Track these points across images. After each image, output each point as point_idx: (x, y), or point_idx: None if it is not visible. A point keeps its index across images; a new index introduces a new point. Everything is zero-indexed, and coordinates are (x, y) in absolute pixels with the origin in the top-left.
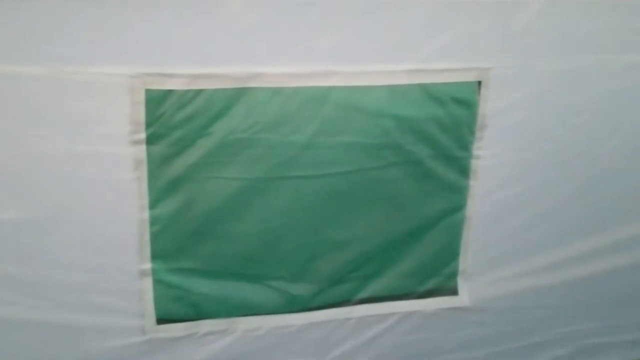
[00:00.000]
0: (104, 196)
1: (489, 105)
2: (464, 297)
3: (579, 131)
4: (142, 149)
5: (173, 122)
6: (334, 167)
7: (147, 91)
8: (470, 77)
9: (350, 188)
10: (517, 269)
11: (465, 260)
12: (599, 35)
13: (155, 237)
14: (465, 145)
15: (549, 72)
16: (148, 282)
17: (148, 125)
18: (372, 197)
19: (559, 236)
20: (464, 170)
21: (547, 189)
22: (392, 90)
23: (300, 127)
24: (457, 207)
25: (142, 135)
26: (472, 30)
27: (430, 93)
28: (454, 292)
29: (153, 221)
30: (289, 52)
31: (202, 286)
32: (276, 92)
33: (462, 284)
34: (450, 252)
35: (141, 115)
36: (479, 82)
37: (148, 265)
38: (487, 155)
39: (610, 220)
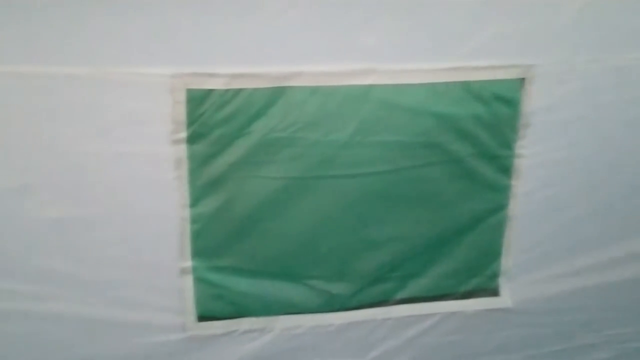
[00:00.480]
0: (145, 195)
1: (532, 103)
2: (505, 298)
3: (624, 129)
4: (183, 148)
5: (213, 122)
6: (373, 166)
7: (188, 91)
8: (514, 75)
9: (390, 187)
10: (559, 270)
11: (507, 261)
12: None
13: (195, 236)
14: (507, 143)
15: (594, 69)
16: (189, 280)
17: (189, 124)
18: (412, 197)
19: (603, 237)
20: (506, 169)
21: (591, 188)
22: (433, 88)
23: (340, 126)
24: (499, 206)
25: (183, 135)
26: (515, 26)
27: (472, 91)
28: (495, 293)
29: (194, 219)
30: (328, 50)
31: (241, 284)
32: (315, 90)
33: (503, 285)
34: (491, 253)
35: (182, 114)
36: (522, 80)
37: (189, 263)
38: (530, 154)
39: None
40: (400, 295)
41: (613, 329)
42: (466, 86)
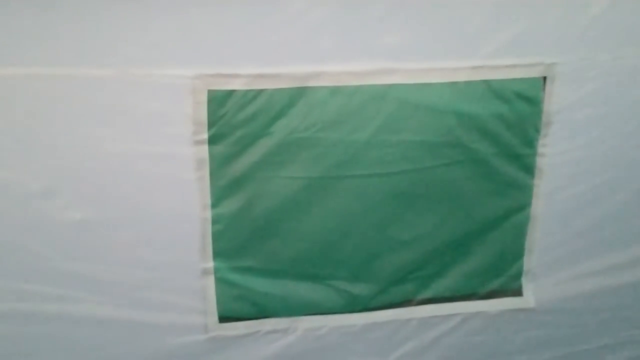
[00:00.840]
0: (167, 195)
1: (554, 102)
2: (528, 298)
3: None
4: (205, 149)
5: (234, 122)
6: (395, 166)
7: (210, 92)
8: (535, 73)
9: (412, 187)
10: (583, 270)
11: (530, 261)
12: None
13: (217, 236)
14: (530, 142)
15: (617, 67)
16: (210, 281)
17: (210, 125)
18: (434, 196)
19: (627, 236)
20: (528, 168)
21: (614, 187)
22: (455, 87)
23: (361, 125)
24: (522, 206)
25: (205, 136)
26: (537, 24)
27: (493, 89)
28: (518, 293)
29: (215, 220)
30: (349, 50)
31: (263, 285)
32: (336, 90)
33: (526, 285)
34: (514, 252)
35: (204, 115)
36: (544, 78)
37: (210, 264)
38: (553, 152)
39: None
40: (423, 295)
41: (638, 328)
42: (488, 85)
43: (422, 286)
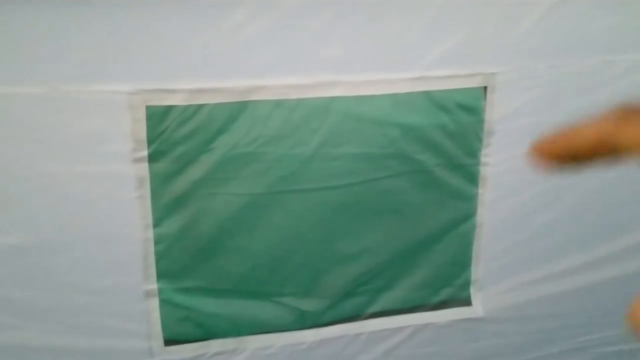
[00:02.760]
0: (106, 216)
1: (495, 111)
2: (477, 307)
3: None
4: (145, 167)
5: (175, 139)
6: (340, 179)
7: (148, 107)
8: (475, 83)
9: (357, 200)
10: (531, 277)
11: (478, 270)
12: (604, 36)
13: (160, 257)
14: (472, 152)
15: (556, 75)
16: (154, 303)
17: (150, 142)
18: (379, 209)
19: (573, 242)
20: (472, 177)
21: (558, 194)
22: (396, 98)
23: (304, 139)
24: (467, 215)
25: (144, 153)
26: (476, 35)
27: (434, 100)
28: (467, 302)
29: (157, 240)
30: (290, 63)
31: (209, 305)
32: (278, 104)
33: (475, 294)
34: (461, 262)
35: (142, 132)
36: (484, 88)
37: (154, 285)
38: (496, 161)
39: (624, 225)
40: (372, 309)
41: (588, 334)
42: (429, 96)
43: (371, 300)
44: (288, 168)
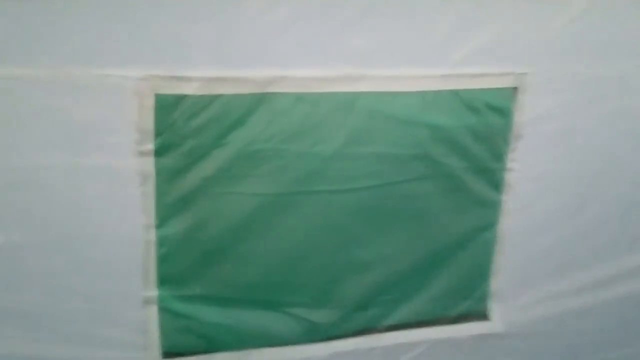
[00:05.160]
0: (104, 214)
1: (524, 114)
2: (496, 322)
3: (620, 141)
4: (150, 161)
5: (185, 131)
6: (361, 181)
7: (157, 96)
8: (506, 83)
9: (378, 204)
10: (553, 290)
11: (497, 282)
12: None
13: (162, 261)
14: (499, 156)
15: (589, 77)
16: (153, 311)
17: (157, 134)
18: (401, 214)
19: (600, 253)
20: (496, 183)
21: (585, 203)
22: (425, 96)
23: (326, 137)
24: (489, 224)
25: (150, 146)
26: (508, 32)
27: (464, 100)
28: (485, 316)
29: (160, 242)
30: (315, 54)
31: (213, 315)
32: (300, 98)
33: (494, 308)
34: (481, 273)
35: (150, 123)
36: (515, 89)
37: (153, 292)
38: (521, 167)
39: None
40: (387, 321)
41: (612, 350)
42: (458, 95)
43: (387, 311)
44: (307, 167)
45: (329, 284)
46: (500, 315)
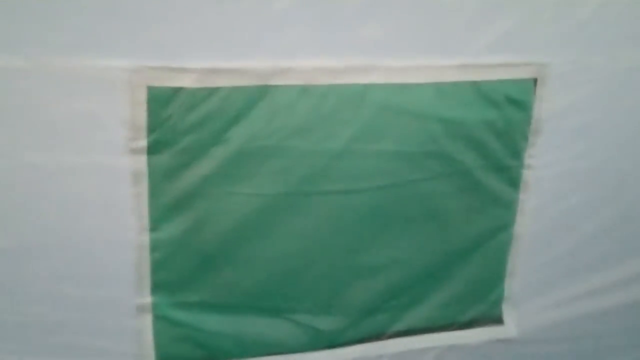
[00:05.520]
0: (94, 217)
1: (544, 107)
2: (510, 326)
3: None
4: (143, 159)
5: (181, 127)
6: (371, 180)
7: (150, 89)
8: (526, 74)
9: (387, 205)
10: (568, 293)
11: (512, 285)
12: None
13: (156, 266)
14: (517, 153)
15: (614, 69)
16: (147, 319)
17: (150, 130)
18: (411, 215)
19: (620, 255)
20: (514, 182)
21: (607, 202)
22: (440, 89)
23: (334, 132)
24: (505, 224)
25: (143, 143)
26: (529, 20)
27: (482, 92)
28: (499, 321)
29: (154, 246)
30: (321, 43)
31: (212, 323)
32: (305, 90)
33: (507, 312)
34: (495, 276)
35: (142, 118)
36: (535, 80)
37: (148, 299)
38: (540, 164)
39: None
40: (396, 327)
41: (626, 355)
42: (476, 87)
43: (395, 317)
44: (313, 166)
45: (335, 289)
46: (515, 320)
